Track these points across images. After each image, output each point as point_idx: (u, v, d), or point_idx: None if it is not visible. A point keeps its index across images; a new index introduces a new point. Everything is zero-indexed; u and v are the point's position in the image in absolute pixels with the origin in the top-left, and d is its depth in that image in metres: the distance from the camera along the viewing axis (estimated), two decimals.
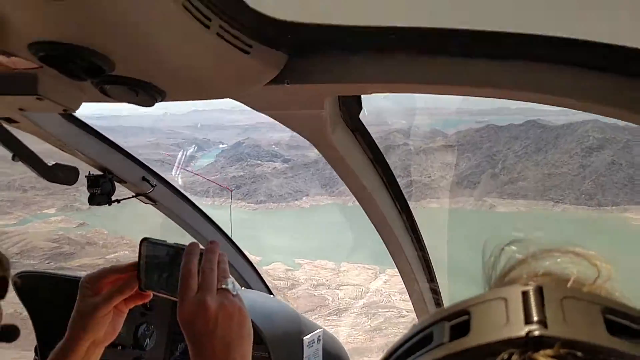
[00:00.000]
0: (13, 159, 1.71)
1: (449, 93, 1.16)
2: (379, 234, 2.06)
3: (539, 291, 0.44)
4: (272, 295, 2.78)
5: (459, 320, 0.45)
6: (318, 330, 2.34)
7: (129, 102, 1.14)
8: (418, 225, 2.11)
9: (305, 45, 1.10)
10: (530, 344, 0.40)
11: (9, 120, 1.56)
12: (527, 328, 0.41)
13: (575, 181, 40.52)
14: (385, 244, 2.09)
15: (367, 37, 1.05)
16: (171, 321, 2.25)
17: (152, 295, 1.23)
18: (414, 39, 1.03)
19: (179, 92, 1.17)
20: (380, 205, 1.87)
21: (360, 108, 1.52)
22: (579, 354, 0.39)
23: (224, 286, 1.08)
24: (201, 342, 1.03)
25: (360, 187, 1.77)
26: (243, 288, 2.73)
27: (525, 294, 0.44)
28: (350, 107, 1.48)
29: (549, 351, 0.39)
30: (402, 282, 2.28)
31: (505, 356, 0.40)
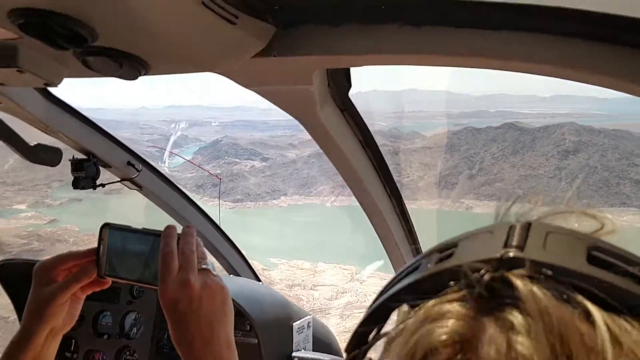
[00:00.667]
0: None
1: (441, 64, 1.15)
2: (368, 217, 2.04)
3: (527, 226, 0.45)
4: (260, 282, 2.75)
5: (448, 252, 0.47)
6: (308, 316, 2.33)
7: (112, 76, 1.12)
8: (407, 210, 2.09)
9: (293, 16, 1.08)
10: (504, 263, 0.41)
11: None
12: (503, 251, 0.42)
13: (551, 183, 41.19)
14: (373, 227, 2.08)
15: (357, 7, 1.04)
16: (157, 310, 2.23)
17: (110, 282, 1.21)
18: (404, 10, 1.02)
19: (163, 64, 1.15)
20: (369, 187, 1.85)
21: (350, 86, 1.50)
22: (550, 272, 0.39)
23: (204, 266, 1.09)
24: (185, 321, 1.03)
25: (349, 168, 1.75)
26: (231, 275, 2.70)
27: (511, 227, 0.45)
28: (339, 84, 1.46)
29: (521, 270, 0.40)
30: (382, 280, 2.27)
31: (479, 274, 0.41)
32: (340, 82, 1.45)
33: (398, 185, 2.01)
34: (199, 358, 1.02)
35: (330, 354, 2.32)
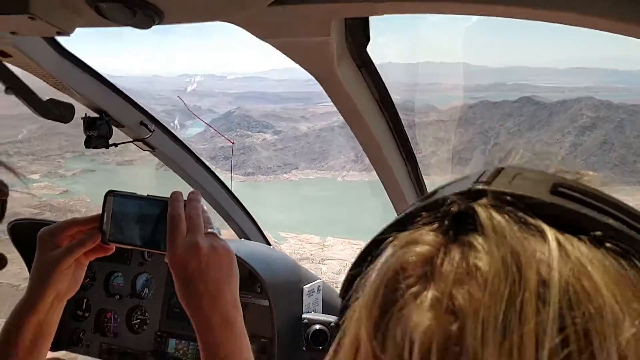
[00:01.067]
0: (6, 92, 1.66)
1: (461, 12, 1.09)
2: (381, 181, 2.00)
3: (500, 169, 0.49)
4: (271, 247, 2.75)
5: (430, 194, 0.51)
6: (318, 280, 2.34)
7: (125, 24, 1.09)
8: (422, 176, 2.06)
9: None
10: (471, 195, 0.45)
11: (2, 54, 1.49)
12: (472, 185, 0.46)
13: (566, 160, 40.77)
14: (387, 194, 2.04)
15: None
16: (169, 271, 2.21)
17: (114, 248, 1.22)
18: None
19: (177, 12, 1.11)
20: (384, 150, 1.81)
21: (368, 40, 1.46)
22: (510, 199, 0.43)
23: (210, 230, 1.11)
24: (193, 281, 1.05)
25: (365, 128, 1.71)
26: (242, 239, 2.71)
27: (486, 171, 0.49)
28: (357, 38, 1.42)
29: (485, 200, 0.44)
30: None
31: (447, 206, 0.45)
32: (358, 35, 1.41)
33: None
34: (207, 316, 1.04)
35: None
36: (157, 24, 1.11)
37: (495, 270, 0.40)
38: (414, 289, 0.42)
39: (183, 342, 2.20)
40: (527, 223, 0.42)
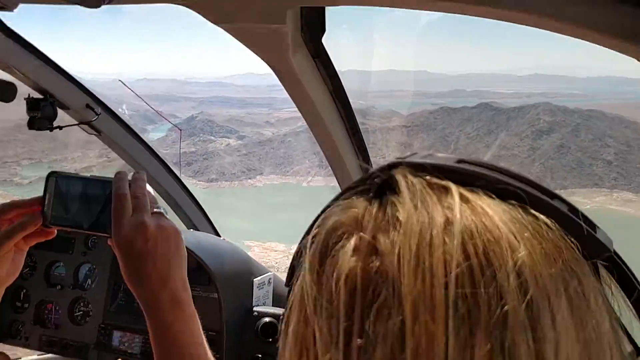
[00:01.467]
0: None
1: (419, 7, 1.10)
2: (334, 173, 2.00)
3: (414, 152, 0.55)
4: (221, 237, 2.68)
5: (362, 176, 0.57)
6: (269, 273, 2.30)
7: (75, 2, 1.07)
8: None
9: None
10: (391, 166, 0.53)
11: None
12: (395, 160, 0.54)
13: (525, 163, 41.89)
14: (339, 184, 2.05)
15: None
16: (113, 262, 2.19)
17: (56, 232, 1.17)
18: None
19: None
20: (337, 142, 1.82)
21: (324, 31, 1.46)
22: (423, 167, 0.51)
23: (156, 209, 1.09)
24: (140, 260, 1.02)
25: (318, 119, 1.71)
26: (191, 230, 2.64)
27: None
28: (313, 28, 1.41)
29: (401, 169, 0.52)
30: None
31: (373, 177, 0.53)
32: (314, 25, 1.40)
33: (374, 166, 1.93)
34: (156, 295, 1.01)
35: None
36: (107, 3, 1.09)
37: (408, 216, 0.47)
38: (343, 241, 0.49)
39: (128, 334, 2.14)
40: (437, 183, 0.49)
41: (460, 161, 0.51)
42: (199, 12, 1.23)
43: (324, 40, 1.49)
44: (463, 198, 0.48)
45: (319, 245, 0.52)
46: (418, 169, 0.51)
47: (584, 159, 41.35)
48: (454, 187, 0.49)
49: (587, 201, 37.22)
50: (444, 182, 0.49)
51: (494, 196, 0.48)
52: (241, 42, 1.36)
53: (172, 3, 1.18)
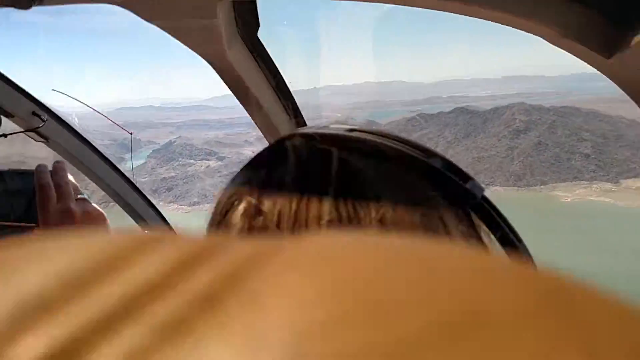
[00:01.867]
0: None
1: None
2: None
3: (310, 127, 0.58)
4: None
5: None
6: None
7: (3, 4, 1.08)
8: None
9: None
10: (285, 137, 0.55)
11: None
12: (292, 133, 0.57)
13: (504, 163, 42.33)
14: None
15: None
16: None
17: None
18: None
19: None
20: (282, 132, 1.75)
21: (258, 25, 1.48)
22: (314, 136, 0.53)
23: (80, 196, 1.10)
24: None
25: (261, 113, 1.72)
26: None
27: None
28: (247, 23, 1.44)
29: (294, 139, 0.54)
30: None
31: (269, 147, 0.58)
32: (247, 19, 1.42)
33: None
34: None
35: None
36: (37, 4, 1.09)
37: (293, 179, 0.50)
38: (234, 206, 0.53)
39: None
40: (321, 149, 0.52)
41: (351, 130, 0.54)
42: (133, 11, 1.22)
43: (260, 35, 1.49)
44: (341, 161, 0.50)
45: (217, 215, 0.57)
46: (309, 138, 0.53)
47: (562, 154, 41.91)
48: (335, 152, 0.51)
49: (568, 194, 37.66)
50: (329, 147, 0.52)
51: (378, 160, 0.51)
52: (177, 38, 1.36)
53: (106, 3, 1.18)
